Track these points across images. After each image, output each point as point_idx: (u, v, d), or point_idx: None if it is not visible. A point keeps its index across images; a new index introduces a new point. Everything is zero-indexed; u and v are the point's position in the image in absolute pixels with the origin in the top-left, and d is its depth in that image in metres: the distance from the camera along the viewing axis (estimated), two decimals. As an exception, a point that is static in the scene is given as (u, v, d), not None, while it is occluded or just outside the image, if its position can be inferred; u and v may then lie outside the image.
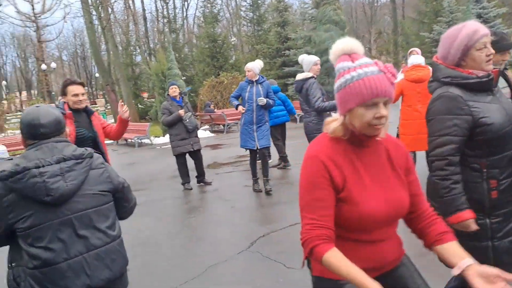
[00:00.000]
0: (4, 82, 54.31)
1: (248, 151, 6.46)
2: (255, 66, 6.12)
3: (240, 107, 6.15)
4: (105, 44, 32.39)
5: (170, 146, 7.17)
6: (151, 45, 40.06)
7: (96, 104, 50.30)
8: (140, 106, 25.00)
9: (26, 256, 1.77)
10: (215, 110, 18.25)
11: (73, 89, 3.48)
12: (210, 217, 5.59)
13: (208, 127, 17.85)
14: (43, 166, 1.78)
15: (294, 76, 7.03)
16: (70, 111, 3.51)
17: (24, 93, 57.94)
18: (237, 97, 6.34)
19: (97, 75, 61.84)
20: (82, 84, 3.60)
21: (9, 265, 1.89)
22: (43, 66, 39.58)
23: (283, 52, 21.40)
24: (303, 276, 3.48)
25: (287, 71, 19.75)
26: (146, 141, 15.25)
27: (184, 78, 19.62)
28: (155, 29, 41.89)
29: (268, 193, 6.21)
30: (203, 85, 20.72)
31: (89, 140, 3.57)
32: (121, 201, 2.04)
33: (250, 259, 4.01)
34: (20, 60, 62.74)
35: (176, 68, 15.79)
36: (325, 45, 16.55)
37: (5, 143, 14.26)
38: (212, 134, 16.14)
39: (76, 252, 1.80)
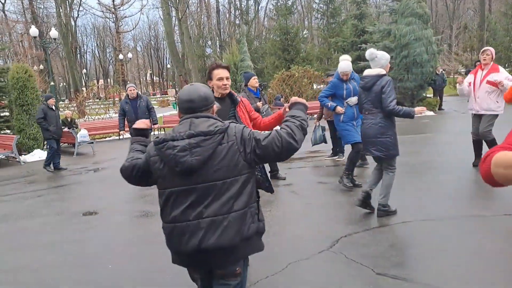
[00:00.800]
0: (84, 70, 57.87)
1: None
2: (350, 66, 5.97)
3: (339, 108, 6.03)
4: (179, 36, 33.40)
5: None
6: (222, 37, 40.69)
7: (167, 94, 52.05)
8: (209, 97, 25.45)
9: (161, 212, 2.15)
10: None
11: (219, 72, 3.29)
12: (286, 212, 5.40)
13: (276, 120, 17.68)
14: (177, 140, 2.03)
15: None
16: None
17: (101, 81, 61.45)
18: (327, 96, 6.18)
19: (168, 66, 64.01)
20: (227, 68, 3.42)
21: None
22: (120, 56, 41.64)
23: (358, 45, 20.68)
24: (397, 285, 3.21)
25: (363, 65, 18.97)
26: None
27: (254, 70, 19.60)
28: (226, 21, 42.50)
29: (357, 186, 6.10)
30: (273, 78, 20.60)
31: None
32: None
33: (333, 259, 3.79)
34: (99, 49, 66.65)
35: (248, 60, 15.80)
36: (406, 39, 15.76)
37: (86, 127, 15.07)
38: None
39: (194, 216, 2.03)
